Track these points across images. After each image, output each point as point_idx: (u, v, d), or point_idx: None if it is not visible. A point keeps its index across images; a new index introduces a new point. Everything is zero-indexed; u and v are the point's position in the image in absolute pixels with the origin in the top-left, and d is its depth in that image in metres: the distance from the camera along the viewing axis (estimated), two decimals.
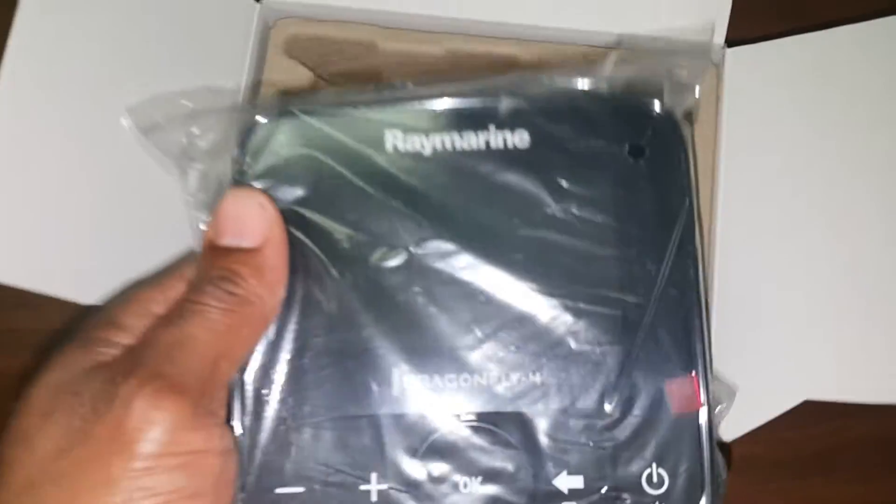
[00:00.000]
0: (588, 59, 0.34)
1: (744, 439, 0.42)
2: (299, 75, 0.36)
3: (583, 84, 0.25)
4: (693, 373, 0.24)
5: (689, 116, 0.26)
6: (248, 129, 0.25)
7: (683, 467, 0.23)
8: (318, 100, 0.25)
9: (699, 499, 0.24)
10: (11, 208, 0.28)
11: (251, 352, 0.23)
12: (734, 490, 0.42)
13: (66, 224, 0.30)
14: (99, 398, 0.19)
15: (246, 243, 0.22)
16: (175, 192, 0.27)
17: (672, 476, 0.23)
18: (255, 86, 0.36)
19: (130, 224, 0.31)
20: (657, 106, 0.25)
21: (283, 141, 0.25)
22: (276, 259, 0.23)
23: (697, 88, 0.26)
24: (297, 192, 0.25)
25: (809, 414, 0.42)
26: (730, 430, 0.33)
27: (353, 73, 0.37)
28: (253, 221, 0.23)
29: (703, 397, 0.24)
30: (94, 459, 0.19)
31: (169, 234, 0.32)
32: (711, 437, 0.24)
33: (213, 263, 0.22)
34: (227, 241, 0.22)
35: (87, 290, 0.28)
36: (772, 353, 0.33)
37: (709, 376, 0.24)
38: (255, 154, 0.25)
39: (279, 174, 0.25)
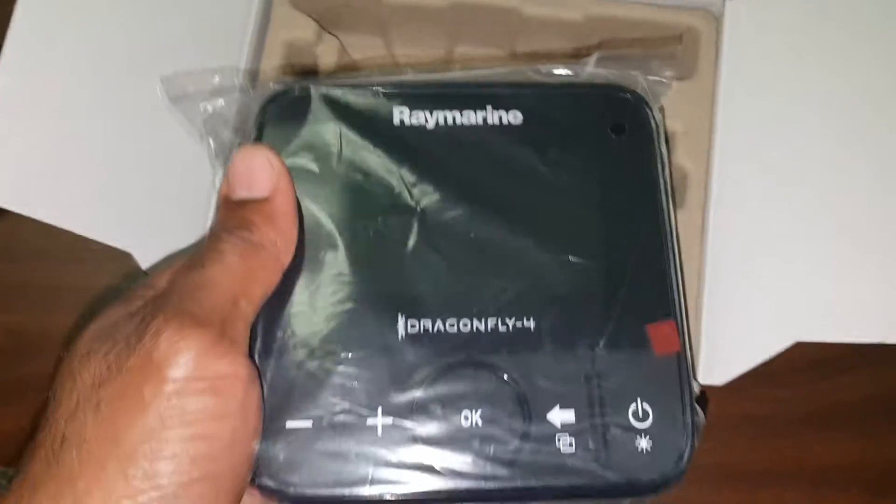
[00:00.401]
0: (574, 56, 0.38)
1: (739, 397, 0.43)
2: (305, 28, 0.37)
3: (570, 74, 0.29)
4: (672, 319, 0.26)
5: (661, 110, 0.29)
6: (268, 100, 0.27)
7: (665, 403, 0.25)
8: (333, 78, 0.29)
9: (680, 432, 0.25)
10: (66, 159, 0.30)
11: (268, 292, 0.24)
12: (730, 447, 0.43)
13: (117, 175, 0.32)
14: (131, 335, 0.21)
15: (257, 194, 0.25)
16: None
17: (656, 410, 0.25)
18: (261, 38, 0.37)
19: (167, 181, 0.34)
20: (634, 92, 0.29)
21: (299, 111, 0.27)
22: (286, 206, 0.25)
23: (671, 81, 0.31)
24: (312, 156, 0.27)
25: (804, 372, 0.43)
26: (723, 373, 0.33)
27: (359, 25, 0.38)
28: (262, 174, 0.25)
29: (680, 342, 0.26)
30: (128, 387, 0.21)
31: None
32: (689, 377, 0.26)
33: (228, 215, 0.24)
34: (240, 194, 0.25)
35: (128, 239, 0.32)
36: (763, 296, 0.33)
37: (684, 324, 0.26)
38: (272, 122, 0.27)
39: (295, 141, 0.27)
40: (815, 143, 0.34)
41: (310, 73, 0.37)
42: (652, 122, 0.28)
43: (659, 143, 0.28)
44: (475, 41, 0.39)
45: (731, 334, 0.33)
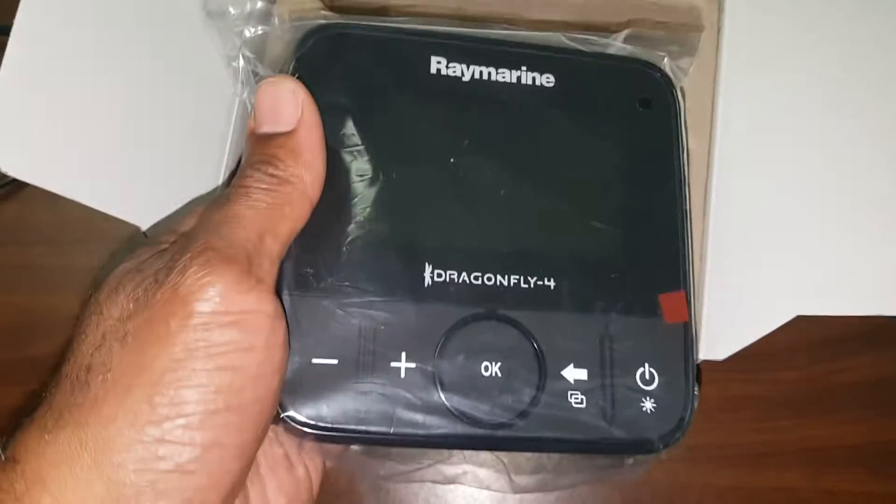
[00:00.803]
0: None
1: (742, 379, 0.43)
2: (308, 2, 0.37)
3: (602, 46, 0.30)
4: (682, 290, 0.27)
5: (682, 92, 0.30)
6: (305, 35, 0.27)
7: (671, 369, 0.26)
8: (370, 18, 0.28)
9: (681, 397, 0.26)
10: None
11: (297, 228, 0.24)
12: (732, 428, 0.43)
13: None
14: (159, 271, 0.22)
15: (281, 128, 0.24)
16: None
17: (661, 375, 0.26)
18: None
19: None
20: (662, 70, 0.30)
21: (336, 49, 0.27)
22: (311, 139, 0.24)
23: (690, 68, 0.32)
24: (347, 96, 0.27)
25: (806, 353, 0.43)
26: (724, 348, 0.33)
27: (363, 4, 0.38)
28: (286, 107, 0.24)
29: (688, 312, 0.27)
30: (155, 319, 0.21)
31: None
32: (693, 347, 0.27)
33: (254, 151, 0.24)
34: (265, 128, 0.24)
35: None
36: (764, 272, 0.34)
37: (692, 296, 0.27)
38: (308, 58, 0.27)
39: (330, 78, 0.27)
40: (816, 120, 0.35)
41: (332, 8, 0.37)
42: (676, 101, 0.29)
43: (679, 122, 0.29)
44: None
45: (733, 309, 0.34)
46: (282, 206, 0.23)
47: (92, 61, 0.31)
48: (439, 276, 0.26)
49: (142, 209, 0.33)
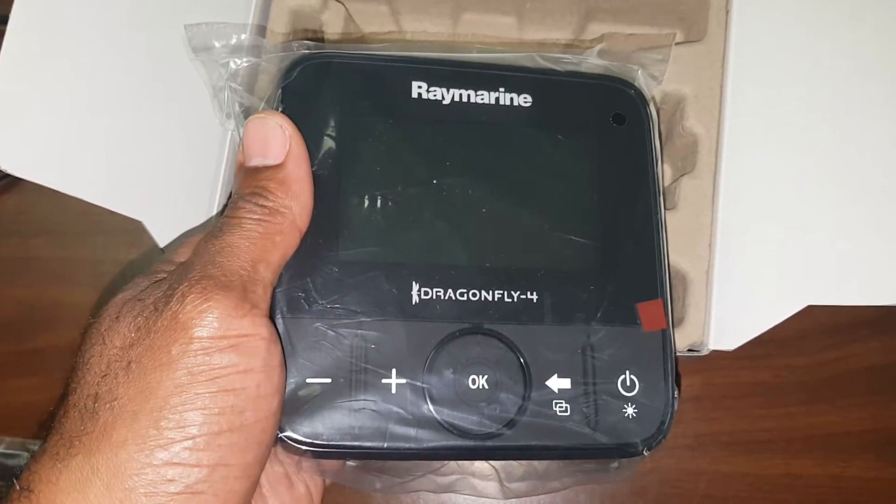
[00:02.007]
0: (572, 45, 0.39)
1: (751, 366, 0.43)
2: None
3: (576, 64, 0.30)
4: (660, 298, 0.28)
5: (654, 100, 0.31)
6: (290, 65, 0.28)
7: (651, 375, 0.27)
8: (353, 47, 0.29)
9: (661, 402, 0.27)
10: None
11: (287, 256, 0.25)
12: (741, 415, 0.43)
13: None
14: (159, 300, 0.23)
15: (270, 161, 0.25)
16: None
17: (641, 382, 0.27)
18: (266, 3, 0.37)
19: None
20: (635, 85, 0.30)
21: (320, 78, 0.28)
22: (299, 172, 0.25)
23: (662, 79, 0.33)
24: (331, 123, 0.28)
25: (816, 341, 0.43)
26: (734, 338, 0.33)
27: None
28: (274, 141, 0.25)
29: (666, 320, 0.28)
30: (157, 346, 0.22)
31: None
32: (672, 352, 0.28)
33: (244, 183, 0.25)
34: (255, 161, 0.25)
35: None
36: (774, 261, 0.33)
37: (668, 304, 0.28)
38: (293, 88, 0.28)
39: (315, 108, 0.28)
40: (825, 107, 0.34)
41: (316, 40, 0.37)
42: (649, 116, 0.30)
43: (652, 135, 0.30)
44: (482, 8, 0.39)
45: (743, 299, 0.33)
46: (273, 236, 0.24)
47: (89, 54, 0.31)
48: (426, 293, 0.27)
49: (142, 204, 0.33)
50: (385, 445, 0.25)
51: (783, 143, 0.34)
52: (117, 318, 0.23)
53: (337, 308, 0.26)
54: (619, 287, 0.28)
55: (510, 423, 0.26)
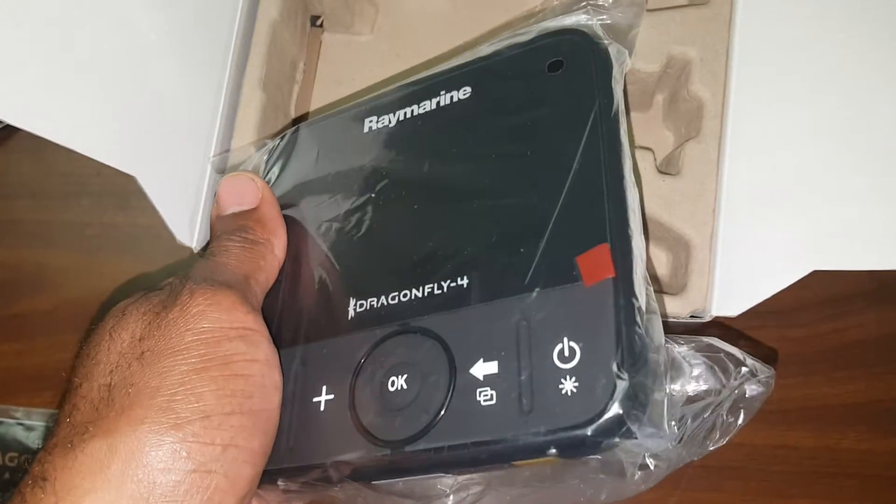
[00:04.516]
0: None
1: (748, 336, 0.43)
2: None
3: (524, 34, 0.28)
4: (605, 243, 0.23)
5: (620, 48, 0.27)
6: (269, 149, 0.31)
7: (594, 337, 0.21)
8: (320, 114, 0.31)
9: (609, 366, 0.21)
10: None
11: (270, 280, 0.28)
12: None
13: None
14: (165, 299, 0.24)
15: (246, 206, 0.28)
16: None
17: (583, 348, 0.21)
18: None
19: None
20: (576, 31, 0.27)
21: (292, 147, 0.31)
22: (272, 212, 0.29)
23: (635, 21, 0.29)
24: (303, 175, 0.30)
25: (813, 311, 0.43)
26: (738, 304, 0.33)
27: None
28: (247, 190, 0.29)
29: (616, 266, 0.22)
30: (170, 335, 0.23)
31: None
32: (628, 302, 0.22)
33: (224, 226, 0.28)
34: (232, 209, 0.28)
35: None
36: (779, 227, 0.33)
37: (626, 245, 0.23)
38: (273, 163, 0.31)
39: (289, 169, 0.31)
40: (833, 71, 0.34)
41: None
42: (594, 55, 0.26)
43: (600, 75, 0.26)
44: None
45: (747, 265, 0.33)
46: (257, 260, 0.27)
47: (83, 9, 0.29)
48: (361, 306, 0.26)
49: (135, 157, 0.32)
50: (312, 462, 0.25)
51: (790, 107, 0.34)
52: (123, 315, 0.24)
53: (288, 332, 0.27)
54: (551, 245, 0.23)
55: (430, 424, 0.23)
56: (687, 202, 0.34)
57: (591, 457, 0.21)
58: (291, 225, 0.29)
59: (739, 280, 0.33)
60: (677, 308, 0.33)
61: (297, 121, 0.40)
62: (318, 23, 0.42)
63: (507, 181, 0.25)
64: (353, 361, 0.25)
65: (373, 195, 0.28)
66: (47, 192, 0.46)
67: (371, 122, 0.30)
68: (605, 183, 0.24)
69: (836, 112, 0.33)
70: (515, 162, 0.26)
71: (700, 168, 0.34)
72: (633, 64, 0.36)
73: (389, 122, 0.29)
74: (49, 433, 0.23)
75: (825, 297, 0.43)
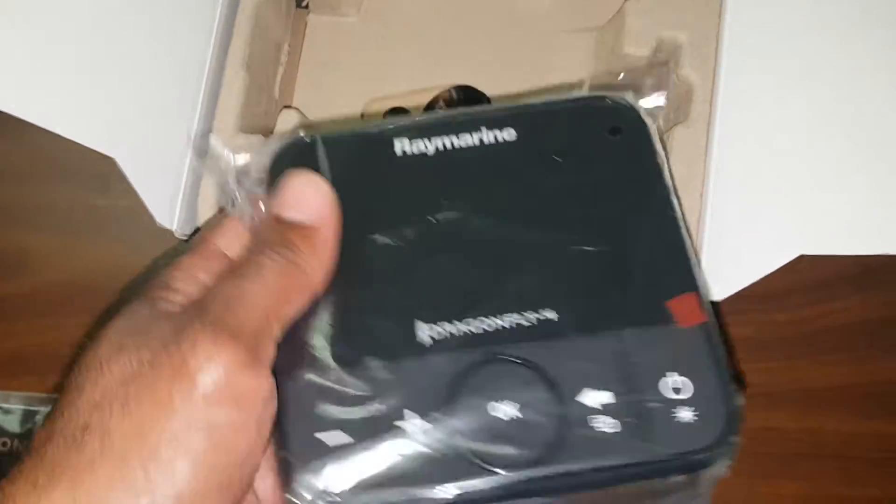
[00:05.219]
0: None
1: (734, 321, 0.43)
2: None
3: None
4: (693, 291, 0.26)
5: (655, 117, 0.29)
6: (278, 151, 0.28)
7: (699, 374, 0.25)
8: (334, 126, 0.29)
9: (719, 401, 0.24)
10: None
11: (297, 314, 0.25)
12: None
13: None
14: (168, 337, 0.22)
15: (306, 219, 0.25)
16: None
17: (690, 382, 0.24)
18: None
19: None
20: (622, 98, 0.29)
21: (309, 158, 0.28)
22: (331, 238, 0.25)
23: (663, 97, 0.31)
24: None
25: (799, 296, 0.43)
26: (724, 288, 0.33)
27: None
28: (314, 200, 0.25)
29: (704, 312, 0.26)
30: (160, 387, 0.21)
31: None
32: (720, 346, 0.25)
33: (271, 232, 0.25)
34: (289, 214, 0.25)
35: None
36: (767, 211, 0.33)
37: (704, 295, 0.26)
38: (281, 170, 0.27)
39: None
40: (822, 55, 0.34)
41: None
42: (644, 123, 0.28)
43: (653, 140, 0.28)
44: None
45: (734, 249, 0.33)
46: (290, 292, 0.24)
47: None
48: (438, 332, 0.25)
49: (114, 139, 0.31)
50: (412, 496, 0.23)
51: (779, 93, 0.34)
52: (119, 347, 0.22)
53: (346, 355, 0.25)
54: (646, 288, 0.26)
55: (547, 450, 0.24)
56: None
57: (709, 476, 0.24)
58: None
59: (726, 264, 0.33)
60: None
61: (283, 104, 0.39)
62: (304, 4, 0.41)
63: (584, 224, 0.27)
64: (441, 386, 0.25)
65: (434, 221, 0.27)
66: (28, 174, 0.45)
67: (403, 144, 0.28)
68: (682, 235, 0.27)
69: (825, 97, 0.33)
70: (590, 210, 0.27)
71: (689, 152, 0.34)
72: (622, 48, 0.36)
73: (426, 148, 0.28)
74: (25, 450, 0.22)
75: (810, 281, 0.43)
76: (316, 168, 0.27)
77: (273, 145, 0.28)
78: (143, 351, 0.22)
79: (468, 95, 0.41)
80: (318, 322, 0.25)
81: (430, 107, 0.41)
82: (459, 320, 0.26)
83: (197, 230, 0.29)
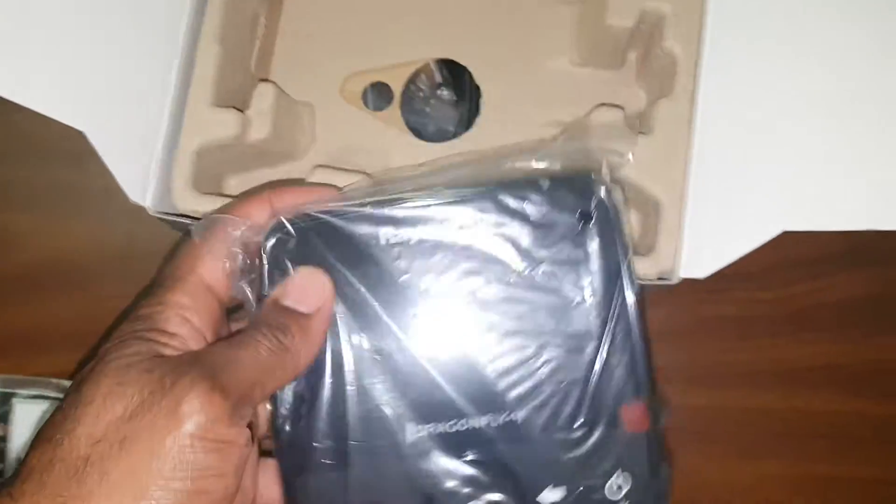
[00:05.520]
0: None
1: (718, 299, 0.42)
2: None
3: (536, 164, 0.30)
4: (641, 400, 0.29)
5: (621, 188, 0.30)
6: (267, 236, 0.29)
7: (638, 474, 0.29)
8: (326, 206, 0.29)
9: (651, 495, 0.29)
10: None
11: (279, 388, 0.28)
12: (706, 349, 0.42)
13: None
14: (167, 377, 0.24)
15: (302, 309, 0.28)
16: None
17: (631, 481, 0.28)
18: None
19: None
20: (596, 179, 0.29)
21: (298, 245, 0.29)
22: (320, 327, 0.28)
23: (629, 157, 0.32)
24: None
25: (784, 274, 0.43)
26: (707, 265, 0.32)
27: None
28: (314, 293, 0.28)
29: (650, 421, 0.29)
30: (155, 429, 0.23)
31: None
32: (657, 451, 0.29)
33: (273, 313, 0.27)
34: (289, 302, 0.28)
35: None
36: (750, 186, 0.32)
37: (655, 402, 0.29)
38: (275, 258, 0.29)
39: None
40: (807, 28, 0.33)
41: None
42: (612, 207, 0.29)
43: (620, 226, 0.29)
44: None
45: (717, 225, 0.32)
46: (276, 369, 0.27)
47: None
48: (413, 432, 0.28)
49: (84, 111, 0.31)
50: None
51: (763, 66, 0.33)
52: (121, 382, 0.24)
53: (334, 457, 0.28)
54: (601, 392, 0.28)
55: None
56: (658, 161, 0.33)
57: None
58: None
59: (709, 241, 0.32)
60: (645, 269, 0.33)
61: (260, 77, 0.38)
62: None
63: (547, 327, 0.29)
64: (415, 487, 0.28)
65: (412, 317, 0.29)
66: (3, 153, 0.44)
67: (387, 233, 0.29)
68: (637, 341, 0.29)
69: (810, 70, 0.32)
70: (553, 309, 0.29)
71: (672, 127, 0.34)
72: (605, 19, 0.36)
73: (410, 239, 0.29)
74: (23, 467, 0.23)
75: (796, 259, 0.42)
76: (310, 255, 0.28)
77: (270, 232, 0.29)
78: (144, 389, 0.24)
79: (450, 69, 0.40)
80: (314, 419, 0.28)
81: (411, 81, 0.40)
82: (437, 423, 0.28)
83: (190, 231, 0.28)
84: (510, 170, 0.30)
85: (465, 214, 0.29)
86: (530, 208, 0.29)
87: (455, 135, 0.39)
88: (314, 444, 0.28)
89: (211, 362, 0.25)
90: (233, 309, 0.30)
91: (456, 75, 0.40)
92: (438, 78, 0.41)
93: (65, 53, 0.30)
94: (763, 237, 0.31)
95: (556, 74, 0.39)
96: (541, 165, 0.30)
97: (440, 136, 0.40)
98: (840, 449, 0.42)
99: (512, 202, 0.29)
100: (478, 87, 0.39)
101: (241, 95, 0.36)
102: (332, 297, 0.28)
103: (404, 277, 0.29)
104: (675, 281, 0.33)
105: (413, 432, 0.28)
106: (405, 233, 0.29)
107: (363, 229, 0.29)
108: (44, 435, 0.24)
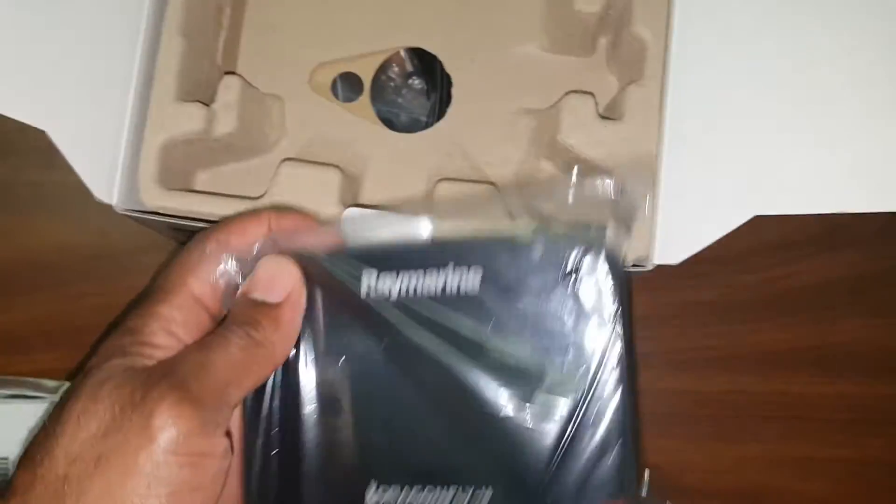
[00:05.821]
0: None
1: (697, 285, 0.42)
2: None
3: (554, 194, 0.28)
4: (626, 496, 0.27)
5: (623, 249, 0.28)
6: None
7: None
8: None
9: None
10: None
11: (258, 384, 0.27)
12: (685, 334, 0.42)
13: None
14: (137, 392, 0.24)
15: (270, 299, 0.27)
16: None
17: None
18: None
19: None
20: (590, 238, 0.27)
21: None
22: (292, 315, 0.27)
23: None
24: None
25: (762, 258, 0.42)
26: (680, 251, 0.32)
27: None
28: (279, 282, 0.27)
29: None
30: (128, 447, 0.23)
31: None
32: None
33: (241, 310, 0.27)
34: (257, 295, 0.27)
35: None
36: (722, 171, 0.32)
37: (638, 494, 0.27)
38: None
39: None
40: (776, 11, 0.33)
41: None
42: (605, 268, 0.27)
43: (617, 289, 0.27)
44: None
45: (689, 211, 0.32)
46: (251, 365, 0.26)
47: None
48: (377, 491, 0.27)
49: (45, 111, 0.30)
50: None
51: (735, 48, 0.33)
52: (95, 400, 0.24)
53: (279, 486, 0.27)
54: (582, 481, 0.26)
55: None
56: (629, 147, 0.33)
57: None
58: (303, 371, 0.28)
59: (681, 227, 0.32)
60: None
61: (226, 70, 0.38)
62: None
63: (528, 398, 0.27)
64: None
65: (386, 377, 0.27)
66: None
67: (370, 277, 0.27)
68: (628, 422, 0.26)
69: (780, 54, 0.32)
70: (536, 378, 0.27)
71: (642, 112, 0.33)
72: (573, 4, 0.35)
73: (390, 293, 0.27)
74: (9, 486, 0.23)
75: (773, 243, 0.42)
76: None
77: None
78: (116, 405, 0.24)
79: (420, 58, 0.40)
80: (284, 482, 0.27)
81: (382, 71, 0.40)
82: (408, 487, 0.27)
83: (193, 233, 0.28)
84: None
85: (452, 266, 0.27)
86: (516, 267, 0.27)
87: (427, 125, 0.39)
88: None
89: (182, 370, 0.25)
90: None
91: (426, 64, 0.40)
92: (409, 67, 0.40)
93: (22, 51, 0.29)
94: (735, 222, 0.31)
95: (526, 61, 0.39)
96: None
97: (412, 127, 0.39)
98: (820, 432, 0.42)
99: (500, 258, 0.27)
100: (448, 76, 0.39)
101: (208, 89, 0.36)
102: (300, 281, 0.27)
103: (380, 330, 0.27)
104: (649, 267, 0.33)
105: (371, 492, 0.27)
106: (388, 282, 0.27)
107: (343, 274, 0.28)
108: (28, 453, 0.24)
